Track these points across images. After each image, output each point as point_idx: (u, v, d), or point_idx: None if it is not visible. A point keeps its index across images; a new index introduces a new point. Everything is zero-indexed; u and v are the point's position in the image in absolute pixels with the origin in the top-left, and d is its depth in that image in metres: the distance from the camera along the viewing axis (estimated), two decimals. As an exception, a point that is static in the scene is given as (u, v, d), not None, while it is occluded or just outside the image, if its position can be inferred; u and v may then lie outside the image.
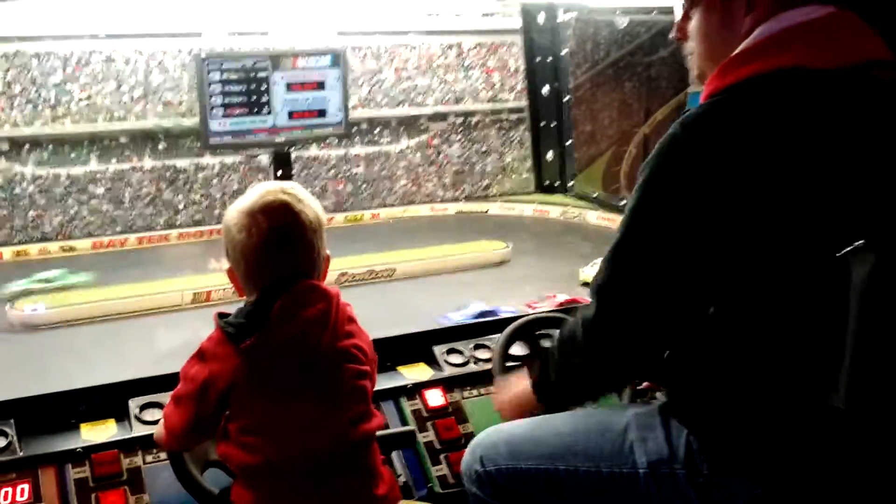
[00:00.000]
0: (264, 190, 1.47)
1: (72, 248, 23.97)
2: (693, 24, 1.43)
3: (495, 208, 27.72)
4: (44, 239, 24.44)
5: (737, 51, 1.29)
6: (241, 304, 1.49)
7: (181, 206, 25.90)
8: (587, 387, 1.50)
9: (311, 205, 1.49)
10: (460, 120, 29.59)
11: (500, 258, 20.66)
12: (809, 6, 1.26)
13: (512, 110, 29.73)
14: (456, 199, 28.60)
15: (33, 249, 23.71)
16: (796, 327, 1.18)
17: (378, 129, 28.44)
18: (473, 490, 1.64)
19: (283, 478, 1.39)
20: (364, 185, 27.92)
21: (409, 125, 28.95)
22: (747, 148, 1.16)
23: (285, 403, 1.39)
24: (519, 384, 1.64)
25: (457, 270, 19.43)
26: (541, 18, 3.93)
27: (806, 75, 1.19)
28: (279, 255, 1.43)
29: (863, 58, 1.21)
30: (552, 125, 8.86)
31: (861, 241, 1.07)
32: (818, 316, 1.12)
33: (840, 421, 1.13)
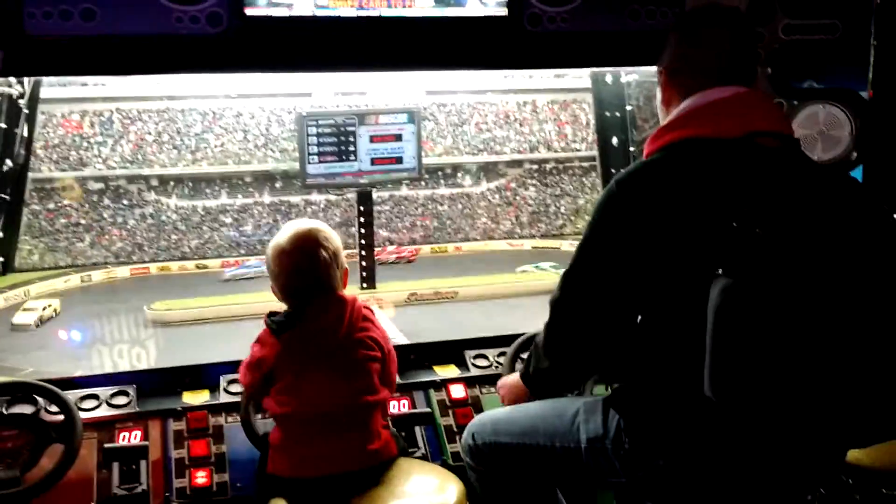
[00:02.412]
0: (295, 225, 1.80)
1: (205, 266, 25.34)
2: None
3: (567, 245, 27.39)
4: (182, 258, 25.92)
5: (662, 123, 1.51)
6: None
7: (293, 235, 27.03)
8: (551, 380, 1.70)
9: (329, 235, 1.80)
10: (535, 166, 29.60)
11: (552, 287, 20.35)
12: (718, 88, 1.45)
13: (583, 158, 29.43)
14: (532, 236, 28.39)
15: (174, 266, 25.23)
16: (682, 335, 1.35)
17: (460, 174, 28.88)
18: (467, 459, 1.86)
19: (303, 425, 1.69)
20: (448, 221, 28.29)
21: (489, 171, 29.25)
22: (654, 200, 1.36)
23: (308, 375, 1.69)
24: (515, 376, 1.87)
25: (512, 296, 19.31)
26: (608, 79, 4.14)
27: (704, 144, 1.38)
28: (302, 274, 1.75)
29: (751, 129, 1.39)
30: (621, 172, 8.94)
31: (720, 270, 1.24)
32: (693, 326, 1.30)
33: (711, 407, 1.28)
